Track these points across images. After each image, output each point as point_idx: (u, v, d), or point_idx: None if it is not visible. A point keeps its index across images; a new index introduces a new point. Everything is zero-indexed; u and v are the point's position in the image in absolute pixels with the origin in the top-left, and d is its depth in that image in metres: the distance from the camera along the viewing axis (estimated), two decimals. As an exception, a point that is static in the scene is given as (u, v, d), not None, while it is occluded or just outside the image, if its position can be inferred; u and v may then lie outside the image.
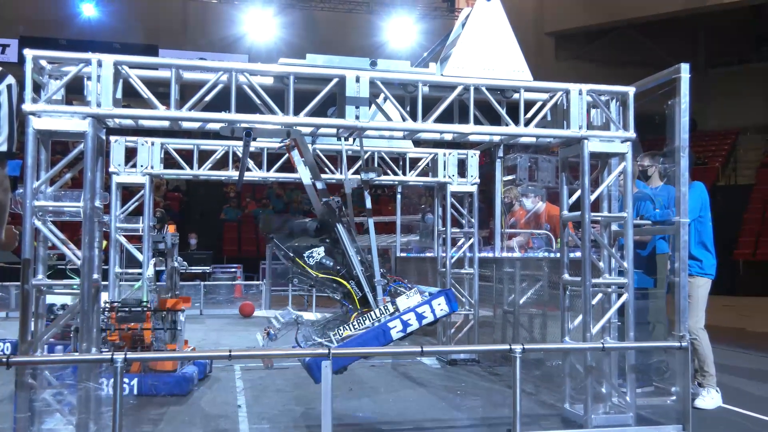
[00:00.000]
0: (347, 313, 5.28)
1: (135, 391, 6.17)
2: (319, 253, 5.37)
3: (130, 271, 7.65)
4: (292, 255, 5.33)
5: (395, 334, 4.86)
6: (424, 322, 4.92)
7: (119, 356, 4.03)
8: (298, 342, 5.11)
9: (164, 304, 6.55)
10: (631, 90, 5.23)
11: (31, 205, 4.28)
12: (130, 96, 4.83)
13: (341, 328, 4.93)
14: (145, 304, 6.48)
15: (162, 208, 17.64)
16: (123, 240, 7.65)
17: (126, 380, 6.14)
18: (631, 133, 5.17)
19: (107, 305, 6.30)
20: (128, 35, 24.77)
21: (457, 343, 8.13)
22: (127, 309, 6.28)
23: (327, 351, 4.32)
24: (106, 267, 7.09)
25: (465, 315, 8.21)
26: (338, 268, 5.29)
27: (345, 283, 5.20)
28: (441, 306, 4.95)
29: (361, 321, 4.96)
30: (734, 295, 17.20)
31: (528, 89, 5.15)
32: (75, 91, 4.71)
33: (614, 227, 5.43)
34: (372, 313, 4.99)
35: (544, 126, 5.32)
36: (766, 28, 29.57)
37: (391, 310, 4.97)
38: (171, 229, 8.01)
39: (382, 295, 5.13)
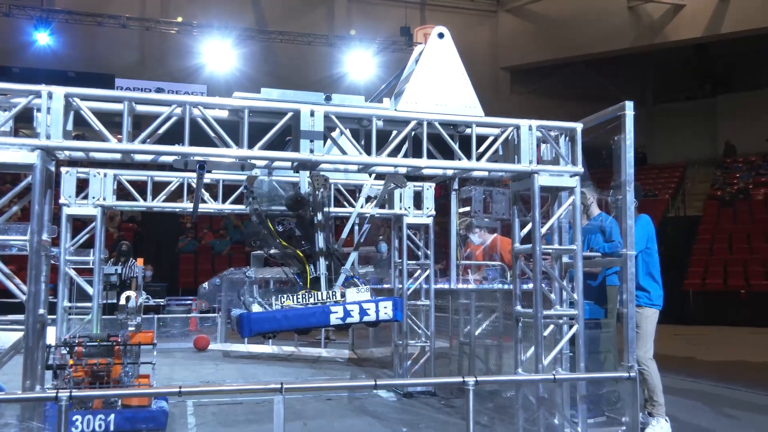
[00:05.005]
0: (295, 287, 5.39)
1: (111, 428, 6.00)
2: (290, 223, 5.44)
3: (80, 304, 7.46)
4: (265, 215, 5.38)
5: (334, 319, 4.99)
6: (366, 318, 5.07)
7: (64, 394, 3.93)
8: (239, 296, 5.23)
9: (134, 339, 6.39)
10: (578, 126, 5.39)
11: (-26, 239, 4.17)
12: (83, 125, 4.77)
13: (285, 296, 4.98)
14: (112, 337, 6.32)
15: (116, 239, 17.29)
16: (72, 273, 7.46)
17: (102, 416, 6.01)
18: (580, 168, 5.32)
19: (74, 340, 6.15)
20: (84, 64, 24.46)
21: (414, 375, 8.12)
22: (95, 344, 6.11)
23: (279, 386, 4.27)
24: (54, 300, 6.92)
25: (421, 347, 8.23)
26: (303, 243, 5.34)
27: (304, 259, 5.25)
28: (386, 310, 5.07)
29: (306, 297, 5.08)
30: (684, 324, 17.58)
31: (480, 124, 5.28)
32: (24, 120, 4.62)
33: (565, 259, 5.55)
34: (319, 293, 5.05)
35: (496, 160, 5.44)
36: (709, 67, 30.94)
37: (338, 297, 5.05)
38: (139, 262, 7.92)
39: (341, 283, 5.20)
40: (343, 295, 5.11)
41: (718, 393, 8.31)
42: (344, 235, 6.28)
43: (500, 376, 6.95)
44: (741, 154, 28.67)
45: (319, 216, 5.33)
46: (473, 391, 4.49)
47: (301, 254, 5.32)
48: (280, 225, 5.45)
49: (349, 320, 5.01)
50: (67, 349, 6.03)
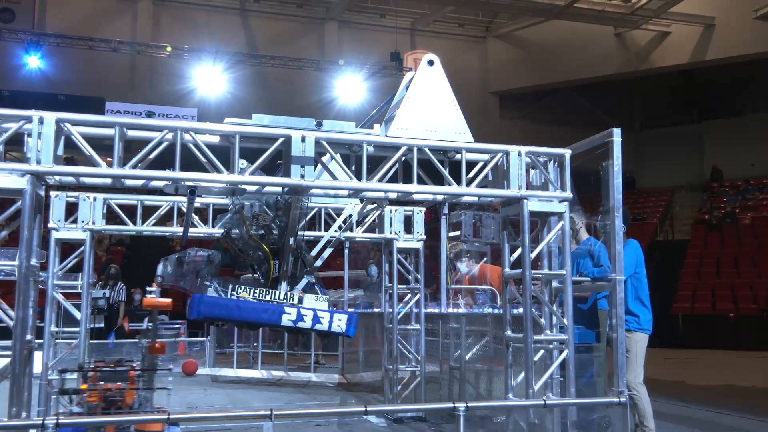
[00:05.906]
0: (255, 283, 5.42)
1: None
2: (264, 220, 5.45)
3: (67, 329, 7.39)
4: (240, 205, 5.40)
5: (286, 320, 4.98)
6: (317, 327, 5.06)
7: (50, 421, 3.88)
8: (200, 276, 5.23)
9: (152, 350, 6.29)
10: (567, 152, 5.45)
11: (-38, 264, 4.15)
12: (73, 147, 4.75)
13: (242, 288, 4.97)
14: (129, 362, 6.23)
15: (104, 262, 17.16)
16: (60, 297, 7.39)
17: None
18: (568, 193, 5.36)
19: (90, 364, 6.05)
20: (74, 87, 24.47)
21: (404, 399, 8.07)
22: (109, 368, 6.01)
23: (269, 412, 4.25)
24: (41, 325, 6.84)
25: (412, 371, 8.19)
26: (273, 241, 5.37)
27: (270, 256, 5.24)
28: (340, 323, 5.08)
29: (263, 293, 5.08)
30: (674, 348, 17.59)
31: (469, 150, 5.32)
32: (13, 143, 4.60)
33: (555, 284, 5.57)
34: (277, 292, 5.05)
35: (485, 185, 5.48)
36: (695, 93, 31.40)
37: (296, 300, 5.04)
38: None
39: (300, 286, 5.19)
40: (300, 300, 5.12)
41: (708, 418, 8.30)
42: (314, 252, 6.25)
43: (491, 402, 6.92)
44: (727, 179, 29.00)
45: (291, 239, 5.33)
46: (464, 416, 4.47)
47: (267, 251, 5.33)
48: (255, 219, 5.48)
49: (300, 324, 5.01)
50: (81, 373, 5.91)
